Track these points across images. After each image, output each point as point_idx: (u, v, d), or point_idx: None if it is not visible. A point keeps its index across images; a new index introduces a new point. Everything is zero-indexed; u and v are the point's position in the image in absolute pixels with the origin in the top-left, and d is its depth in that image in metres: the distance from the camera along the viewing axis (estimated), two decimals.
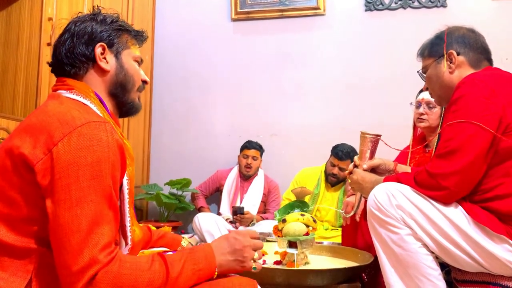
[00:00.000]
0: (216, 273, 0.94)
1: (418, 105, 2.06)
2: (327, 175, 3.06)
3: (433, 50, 1.47)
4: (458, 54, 1.42)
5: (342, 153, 2.95)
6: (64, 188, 0.82)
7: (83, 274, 0.78)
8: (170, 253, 0.93)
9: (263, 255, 1.05)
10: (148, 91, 3.69)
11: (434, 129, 2.01)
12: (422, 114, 2.02)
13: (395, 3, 3.53)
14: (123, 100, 1.08)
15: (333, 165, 3.00)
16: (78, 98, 0.97)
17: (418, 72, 1.57)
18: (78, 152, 0.83)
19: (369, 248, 1.67)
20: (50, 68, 1.06)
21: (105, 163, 0.85)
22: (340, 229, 2.85)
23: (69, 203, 0.81)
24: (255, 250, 1.00)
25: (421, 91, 2.10)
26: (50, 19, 2.64)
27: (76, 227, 0.80)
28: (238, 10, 3.70)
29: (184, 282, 0.89)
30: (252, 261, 0.99)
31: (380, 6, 3.55)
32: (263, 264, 1.72)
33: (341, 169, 2.97)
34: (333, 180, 3.04)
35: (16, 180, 0.86)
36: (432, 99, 1.90)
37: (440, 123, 1.92)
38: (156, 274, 0.85)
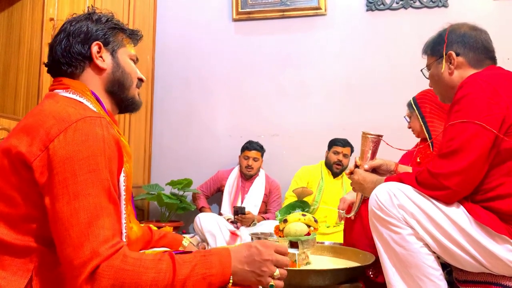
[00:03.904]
0: (231, 281, 0.87)
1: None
2: (332, 165, 3.23)
3: (435, 50, 1.47)
4: (457, 54, 1.41)
5: (342, 140, 3.23)
6: (61, 183, 0.82)
7: (85, 267, 0.78)
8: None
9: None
10: (149, 91, 3.70)
11: (422, 132, 2.12)
12: (409, 127, 2.21)
13: (397, 3, 3.53)
14: (122, 97, 1.09)
15: (337, 153, 3.21)
16: (74, 96, 0.97)
17: (421, 70, 1.57)
18: (73, 147, 0.84)
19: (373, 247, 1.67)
20: (47, 68, 1.07)
21: (101, 156, 0.85)
22: (341, 224, 2.90)
23: (67, 198, 0.81)
24: (277, 267, 0.91)
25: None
26: (51, 19, 2.64)
27: (75, 220, 0.80)
28: (239, 10, 3.71)
29: (192, 286, 0.84)
30: (272, 277, 0.89)
31: (382, 6, 3.54)
32: None
33: (344, 155, 3.21)
34: (338, 168, 3.23)
35: (15, 179, 0.86)
36: (407, 111, 2.17)
37: (424, 124, 2.02)
38: (161, 274, 0.82)
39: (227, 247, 0.93)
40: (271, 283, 0.89)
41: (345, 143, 3.23)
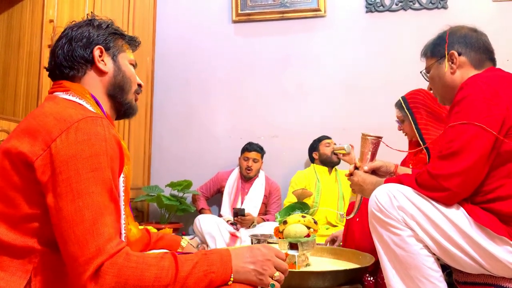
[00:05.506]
0: (232, 278, 0.89)
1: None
2: (331, 156, 3.30)
3: (435, 51, 1.47)
4: (459, 54, 1.41)
5: (324, 135, 3.39)
6: (64, 182, 0.83)
7: (90, 265, 0.78)
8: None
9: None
10: (149, 93, 3.70)
11: (415, 135, 2.02)
12: (400, 129, 2.15)
13: (396, 4, 3.53)
14: (121, 100, 1.11)
15: (329, 144, 3.35)
16: (73, 98, 0.99)
17: (421, 72, 1.57)
18: (76, 146, 0.85)
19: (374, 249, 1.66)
20: (48, 72, 1.09)
21: (103, 155, 0.87)
22: (340, 225, 2.92)
23: (71, 196, 0.82)
24: (277, 269, 0.94)
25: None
26: (51, 21, 2.64)
27: (79, 218, 0.81)
28: (239, 12, 3.71)
29: (194, 283, 0.85)
30: (271, 278, 0.92)
31: (381, 7, 3.55)
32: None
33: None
34: (337, 156, 3.35)
35: (16, 180, 0.87)
36: (399, 114, 2.08)
37: (417, 131, 1.89)
38: (164, 271, 0.83)
39: (228, 248, 0.95)
40: (272, 283, 0.92)
41: (326, 136, 3.39)
